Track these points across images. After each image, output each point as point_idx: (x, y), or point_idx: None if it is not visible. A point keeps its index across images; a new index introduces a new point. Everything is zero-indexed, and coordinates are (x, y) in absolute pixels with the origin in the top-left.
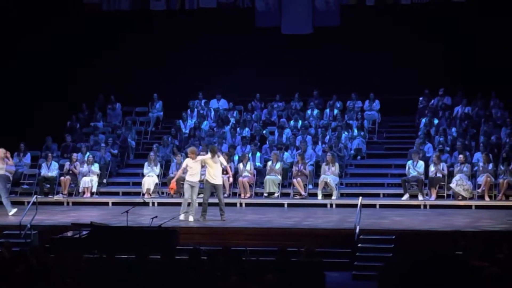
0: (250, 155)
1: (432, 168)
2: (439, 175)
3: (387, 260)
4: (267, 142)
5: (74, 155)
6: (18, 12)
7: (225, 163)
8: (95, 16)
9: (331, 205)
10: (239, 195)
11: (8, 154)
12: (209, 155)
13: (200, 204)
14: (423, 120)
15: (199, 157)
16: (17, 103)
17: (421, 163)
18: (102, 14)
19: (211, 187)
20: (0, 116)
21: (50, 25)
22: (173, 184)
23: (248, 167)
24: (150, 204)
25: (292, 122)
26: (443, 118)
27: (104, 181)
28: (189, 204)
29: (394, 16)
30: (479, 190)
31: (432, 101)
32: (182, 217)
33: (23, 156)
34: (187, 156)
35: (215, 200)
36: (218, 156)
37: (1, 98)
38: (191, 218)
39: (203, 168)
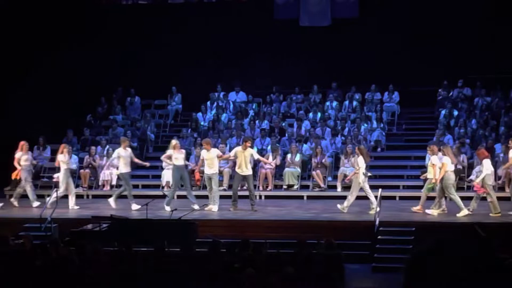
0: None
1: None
2: (459, 166)
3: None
4: (286, 135)
5: (93, 148)
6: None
7: (256, 155)
8: (114, 10)
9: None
10: (258, 187)
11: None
12: (240, 147)
13: (221, 196)
14: (443, 112)
15: (233, 151)
16: (37, 96)
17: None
18: (121, 7)
19: (241, 178)
20: (21, 109)
21: (68, 19)
22: (197, 175)
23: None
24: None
25: (311, 115)
26: (462, 110)
27: None
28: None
29: (412, 7)
30: (499, 182)
31: (452, 92)
32: (206, 208)
33: (43, 150)
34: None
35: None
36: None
37: (21, 92)
38: (214, 209)
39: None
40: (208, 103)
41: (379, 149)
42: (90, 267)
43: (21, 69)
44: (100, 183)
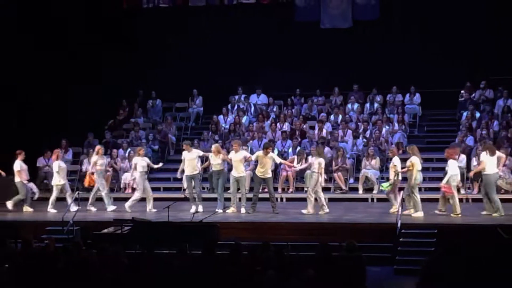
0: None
1: (474, 162)
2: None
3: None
4: (307, 137)
5: (115, 151)
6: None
7: (278, 159)
8: (135, 13)
9: (372, 199)
10: (279, 189)
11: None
12: (261, 152)
13: (248, 198)
14: (465, 114)
15: (255, 154)
16: (58, 101)
17: (463, 157)
18: (142, 11)
19: (261, 180)
20: (42, 113)
21: (89, 22)
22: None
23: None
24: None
25: (332, 117)
26: (484, 111)
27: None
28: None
29: (433, 8)
30: None
31: (474, 94)
32: (228, 210)
33: (65, 153)
34: (228, 151)
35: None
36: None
37: (42, 96)
38: (242, 210)
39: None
40: (229, 105)
41: (400, 151)
42: (111, 270)
43: (40, 74)
44: (121, 186)
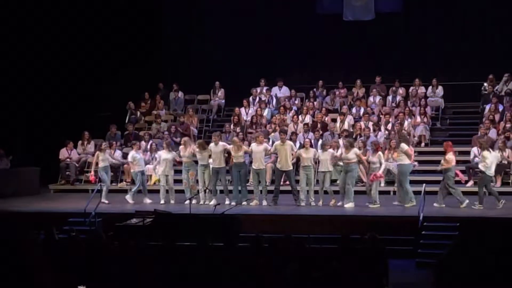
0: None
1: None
2: (504, 161)
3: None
4: (329, 129)
5: (137, 142)
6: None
7: (295, 148)
8: (157, 5)
9: (394, 192)
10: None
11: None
12: (278, 142)
13: (270, 191)
14: (487, 107)
15: (273, 146)
16: (80, 93)
17: None
18: (163, 2)
19: (282, 173)
20: (64, 106)
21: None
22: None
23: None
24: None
25: (354, 109)
26: (508, 104)
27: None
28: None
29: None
30: None
31: (497, 87)
32: (252, 203)
33: (87, 144)
34: (249, 144)
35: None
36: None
37: (64, 88)
38: (264, 203)
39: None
40: (251, 98)
41: (423, 144)
42: (133, 262)
43: (60, 64)
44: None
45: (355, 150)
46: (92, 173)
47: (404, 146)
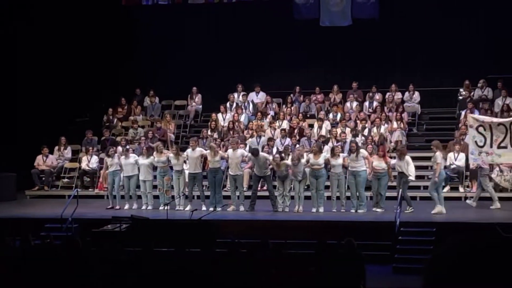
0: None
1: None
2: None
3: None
4: (305, 135)
5: (113, 148)
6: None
7: (269, 157)
8: (134, 10)
9: (371, 197)
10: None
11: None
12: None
13: (247, 196)
14: (463, 112)
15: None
16: (57, 99)
17: (462, 155)
18: (141, 8)
19: (259, 178)
20: (41, 111)
21: (87, 19)
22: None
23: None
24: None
25: (331, 115)
26: (483, 110)
27: None
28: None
29: (431, 7)
30: None
31: (473, 93)
32: (229, 208)
33: (64, 150)
34: (226, 149)
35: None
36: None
37: (41, 94)
38: (241, 208)
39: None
40: (228, 103)
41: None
42: (110, 267)
43: (36, 70)
44: (121, 183)
45: (326, 155)
46: (101, 180)
47: (364, 152)
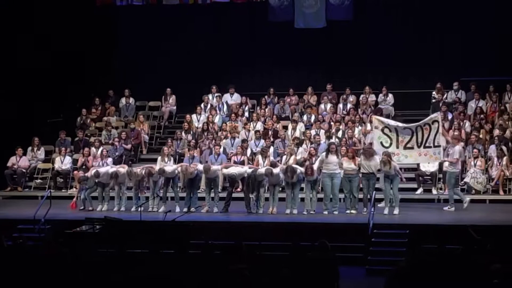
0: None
1: (446, 162)
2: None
3: (396, 264)
4: (279, 137)
5: (87, 149)
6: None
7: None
8: (108, 11)
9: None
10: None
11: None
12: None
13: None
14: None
15: None
16: (30, 99)
17: None
18: (115, 8)
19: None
20: (14, 112)
21: (62, 19)
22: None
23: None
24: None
25: (305, 117)
26: (456, 112)
27: None
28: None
29: (406, 9)
30: (492, 184)
31: (446, 95)
32: (203, 210)
33: (37, 151)
34: (201, 151)
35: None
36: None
37: (14, 95)
38: (215, 210)
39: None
40: (202, 104)
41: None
42: (83, 269)
43: (9, 70)
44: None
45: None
46: (75, 199)
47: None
